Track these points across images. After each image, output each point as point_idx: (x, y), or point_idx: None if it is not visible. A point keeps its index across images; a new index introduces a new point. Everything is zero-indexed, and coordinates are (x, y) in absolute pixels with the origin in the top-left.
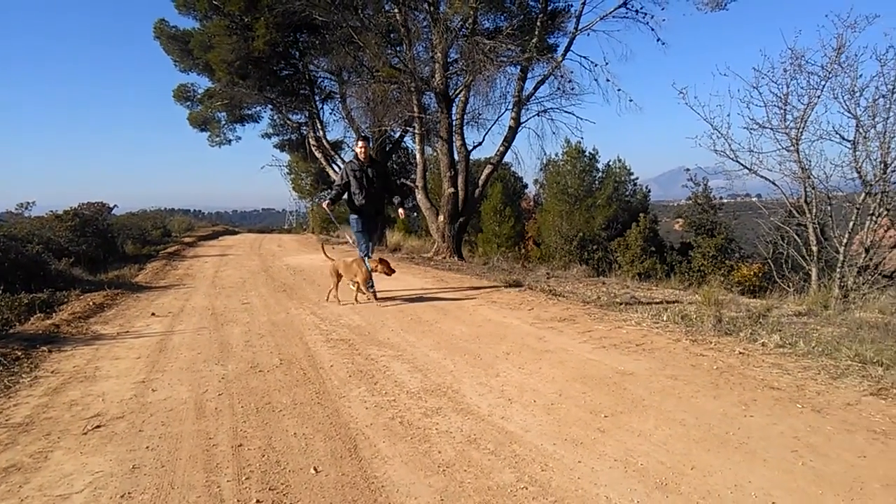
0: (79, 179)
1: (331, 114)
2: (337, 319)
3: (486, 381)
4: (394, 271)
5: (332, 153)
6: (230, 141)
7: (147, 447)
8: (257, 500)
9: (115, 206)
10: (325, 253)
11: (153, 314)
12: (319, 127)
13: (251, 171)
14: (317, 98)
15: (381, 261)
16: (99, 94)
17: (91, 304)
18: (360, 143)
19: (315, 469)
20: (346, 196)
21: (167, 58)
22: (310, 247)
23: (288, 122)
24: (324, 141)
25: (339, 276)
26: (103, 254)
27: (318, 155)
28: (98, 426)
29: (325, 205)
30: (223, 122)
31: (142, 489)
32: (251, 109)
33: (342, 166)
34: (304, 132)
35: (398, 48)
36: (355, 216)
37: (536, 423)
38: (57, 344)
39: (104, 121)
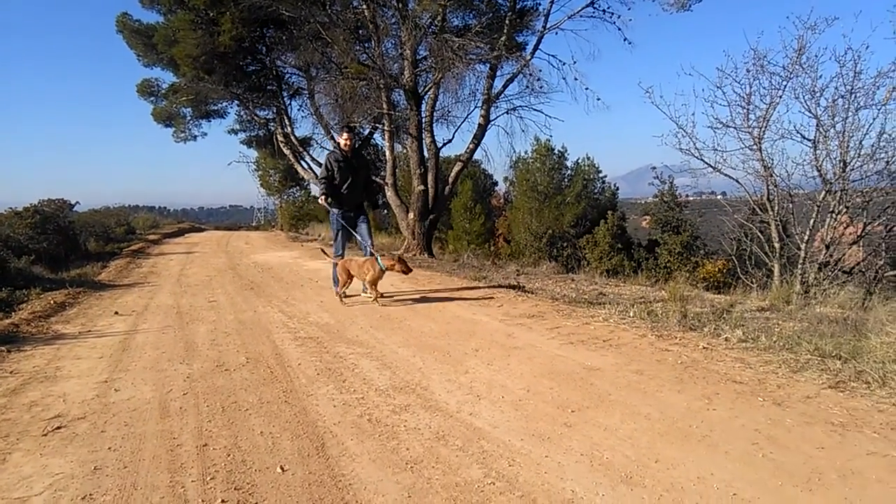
0: (38, 177)
1: (299, 110)
2: (305, 317)
3: (454, 377)
4: (411, 270)
5: (301, 150)
6: (196, 137)
7: (109, 448)
8: (222, 500)
9: (76, 202)
10: (325, 255)
11: (116, 313)
12: (287, 123)
13: (218, 167)
14: (284, 94)
15: (400, 259)
16: (58, 89)
17: (52, 302)
18: (346, 134)
19: (282, 468)
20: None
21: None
22: (278, 244)
23: (255, 118)
24: (292, 137)
25: (349, 276)
26: (65, 251)
27: (286, 151)
28: (59, 427)
29: (322, 201)
30: (188, 118)
31: (104, 490)
32: (217, 105)
33: (325, 157)
34: (272, 128)
35: (367, 45)
36: (337, 210)
37: (504, 419)
38: (16, 344)
39: (65, 116)
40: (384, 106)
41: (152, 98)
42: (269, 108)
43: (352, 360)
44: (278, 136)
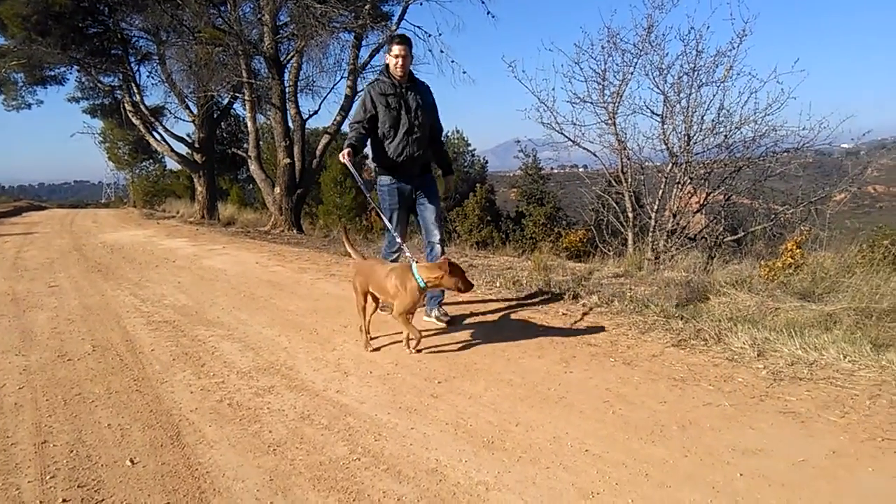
0: None
1: (149, 76)
2: (160, 300)
3: (322, 355)
4: (471, 286)
5: (152, 120)
6: (30, 105)
7: None
8: (63, 500)
9: None
10: (348, 246)
11: None
12: (136, 91)
13: (60, 139)
14: (131, 59)
15: (451, 267)
16: None
17: None
18: (398, 48)
19: (131, 461)
20: (367, 141)
21: None
22: (131, 222)
23: (99, 84)
24: (142, 106)
25: (366, 294)
26: None
27: (135, 122)
28: None
29: (344, 156)
30: (21, 84)
31: None
32: (54, 70)
33: (364, 90)
34: (119, 96)
35: (222, 8)
36: (388, 178)
37: (372, 394)
38: None
39: None
40: (244, 74)
41: None
42: (114, 75)
43: (212, 343)
44: (126, 104)
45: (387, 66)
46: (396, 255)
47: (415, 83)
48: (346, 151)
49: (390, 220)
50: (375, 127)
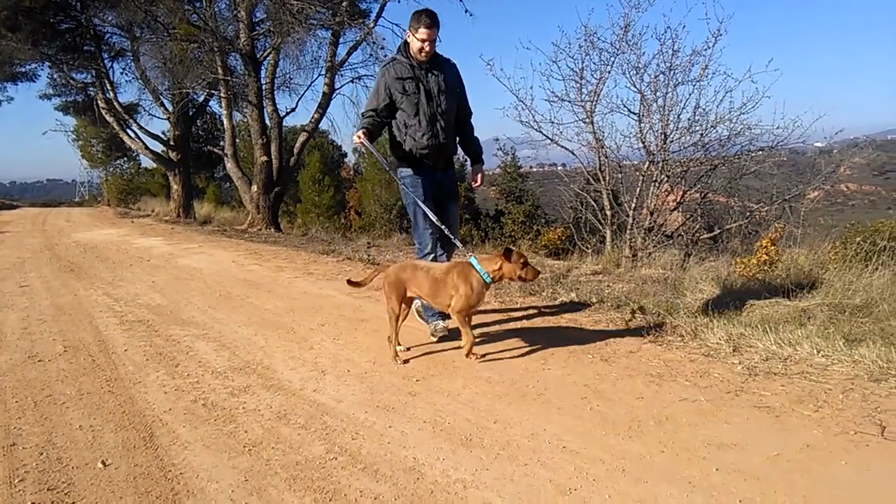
0: None
1: (122, 73)
2: (134, 299)
3: (299, 354)
4: (537, 273)
5: (126, 117)
6: (0, 102)
7: None
8: (33, 503)
9: None
10: (366, 279)
11: None
12: (109, 88)
13: (32, 136)
14: (104, 55)
15: (508, 252)
16: None
17: None
18: (425, 31)
19: (103, 463)
20: (384, 129)
21: None
22: (105, 221)
23: (71, 81)
24: (115, 103)
25: (404, 301)
26: None
27: (109, 119)
28: None
29: (359, 136)
30: None
31: None
32: (25, 67)
33: (379, 73)
34: (92, 93)
35: (197, 4)
36: (409, 171)
37: (350, 393)
38: None
39: None
40: (219, 71)
41: None
42: (87, 71)
43: (186, 342)
44: (100, 101)
45: (406, 44)
46: (431, 254)
47: (436, 62)
48: (360, 132)
49: (414, 216)
50: (391, 115)
